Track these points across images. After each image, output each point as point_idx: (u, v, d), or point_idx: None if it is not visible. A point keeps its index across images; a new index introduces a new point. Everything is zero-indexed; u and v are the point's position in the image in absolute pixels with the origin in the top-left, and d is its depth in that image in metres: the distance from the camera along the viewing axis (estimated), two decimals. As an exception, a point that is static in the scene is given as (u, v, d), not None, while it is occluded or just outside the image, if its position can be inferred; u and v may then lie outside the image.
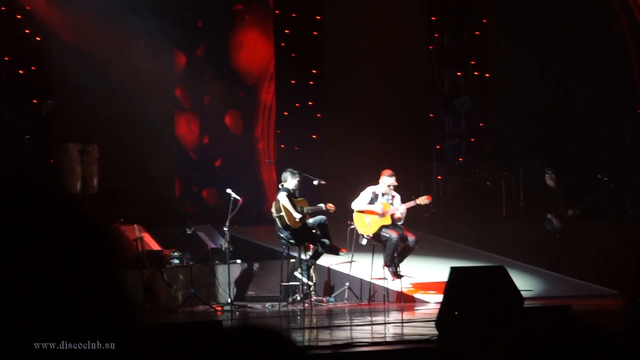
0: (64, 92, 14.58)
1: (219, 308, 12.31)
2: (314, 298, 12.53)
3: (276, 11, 17.63)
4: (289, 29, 17.52)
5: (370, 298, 12.84)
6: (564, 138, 17.62)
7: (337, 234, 12.77)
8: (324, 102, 17.76)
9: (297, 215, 12.32)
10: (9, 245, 1.45)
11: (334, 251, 12.57)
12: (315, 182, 13.10)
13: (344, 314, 11.69)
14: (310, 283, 12.38)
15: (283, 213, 12.29)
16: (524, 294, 9.04)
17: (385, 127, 17.52)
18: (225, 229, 12.48)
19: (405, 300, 12.46)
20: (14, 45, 14.51)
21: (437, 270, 12.55)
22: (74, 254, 1.48)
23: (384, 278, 12.59)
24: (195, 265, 12.78)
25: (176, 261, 12.94)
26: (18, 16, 14.58)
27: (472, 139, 18.06)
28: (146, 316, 10.70)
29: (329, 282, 13.36)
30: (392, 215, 12.72)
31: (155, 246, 12.99)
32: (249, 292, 13.40)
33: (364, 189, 12.86)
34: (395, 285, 12.58)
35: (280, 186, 12.66)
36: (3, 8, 14.45)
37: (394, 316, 11.22)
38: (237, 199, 12.28)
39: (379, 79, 17.70)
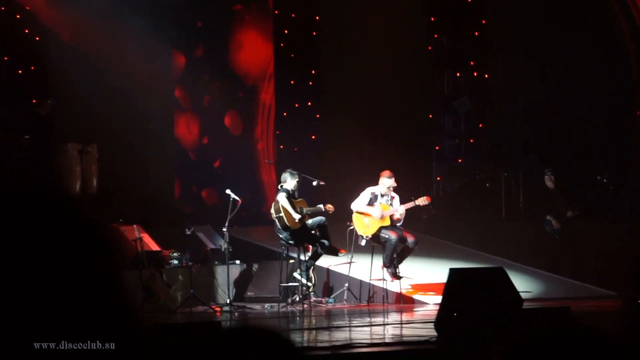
0: (64, 92, 14.55)
1: (218, 309, 12.29)
2: (313, 299, 12.53)
3: (275, 11, 17.63)
4: (288, 30, 17.51)
5: (370, 299, 12.82)
6: (564, 138, 17.60)
7: (337, 235, 12.75)
8: (323, 102, 17.74)
9: (297, 216, 12.31)
10: (9, 245, 1.45)
11: (333, 252, 12.55)
12: (315, 183, 13.10)
13: (343, 315, 11.68)
14: (309, 284, 12.37)
15: (282, 214, 12.28)
16: (522, 295, 9.04)
17: (385, 128, 17.52)
18: (224, 229, 12.46)
19: (405, 302, 12.45)
20: (13, 45, 14.52)
21: (436, 271, 12.54)
22: (74, 254, 1.48)
23: (383, 279, 12.57)
24: (195, 265, 12.76)
25: (175, 262, 12.92)
26: (17, 16, 14.60)
27: (471, 140, 18.04)
28: (145, 317, 10.67)
29: (328, 283, 13.35)
30: (391, 217, 12.71)
31: (154, 246, 12.97)
32: (248, 293, 13.38)
33: (364, 189, 12.85)
34: (394, 286, 12.57)
35: (279, 187, 12.66)
36: (2, 8, 14.46)
37: (393, 317, 11.21)
38: (237, 200, 12.27)
39: (378, 79, 17.69)
